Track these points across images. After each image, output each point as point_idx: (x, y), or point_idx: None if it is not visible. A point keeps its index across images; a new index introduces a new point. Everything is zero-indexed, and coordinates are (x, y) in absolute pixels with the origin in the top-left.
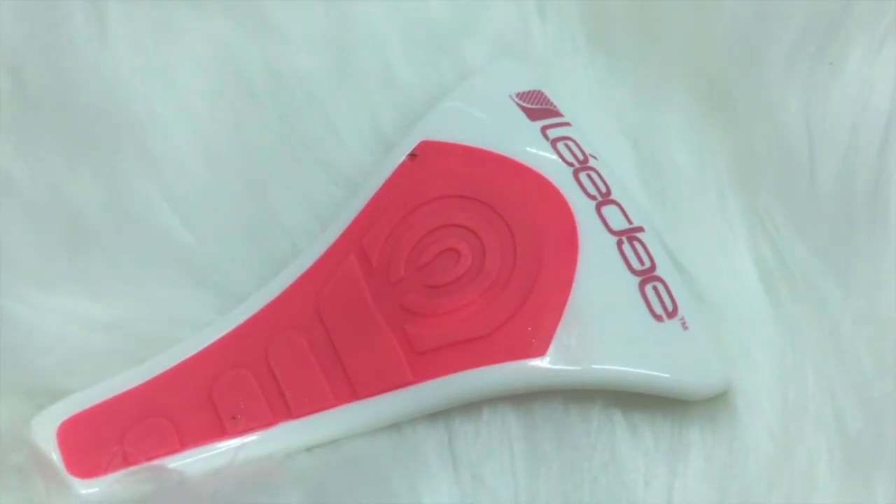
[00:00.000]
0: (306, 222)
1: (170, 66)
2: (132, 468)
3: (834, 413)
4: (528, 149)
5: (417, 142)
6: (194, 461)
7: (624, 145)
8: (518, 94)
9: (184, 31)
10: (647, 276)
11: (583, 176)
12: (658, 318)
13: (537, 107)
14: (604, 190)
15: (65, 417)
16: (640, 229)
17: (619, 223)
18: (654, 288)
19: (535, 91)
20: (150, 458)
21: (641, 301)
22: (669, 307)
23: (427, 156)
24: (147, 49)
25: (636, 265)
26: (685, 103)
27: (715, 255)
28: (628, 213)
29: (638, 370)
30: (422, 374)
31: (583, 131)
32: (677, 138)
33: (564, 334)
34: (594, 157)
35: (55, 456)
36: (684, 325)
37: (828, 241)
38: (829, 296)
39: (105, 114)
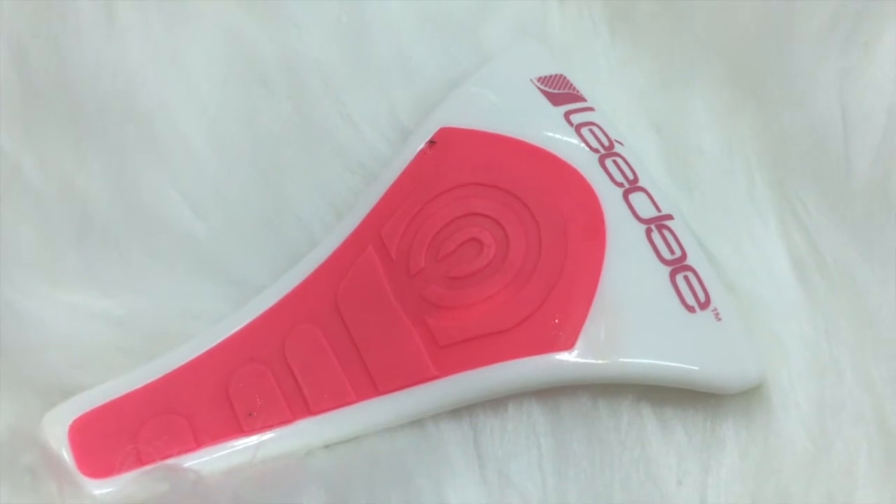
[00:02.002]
0: (322, 212)
1: (180, 53)
2: (146, 467)
3: (873, 407)
4: (551, 135)
5: (436, 128)
6: (210, 460)
7: (648, 131)
8: (540, 79)
9: (194, 17)
10: (678, 265)
11: (609, 162)
12: (690, 309)
13: (560, 91)
14: (631, 177)
15: (76, 415)
16: (669, 217)
17: (647, 211)
18: (686, 278)
19: (557, 75)
20: (164, 457)
21: (673, 292)
22: (702, 298)
23: (447, 143)
24: (156, 36)
25: (666, 254)
26: (711, 86)
27: (744, 244)
28: (656, 200)
29: (670, 363)
30: (445, 368)
31: (607, 116)
32: (703, 123)
33: (593, 327)
34: (620, 143)
35: (67, 455)
36: (717, 317)
37: (864, 227)
38: (866, 284)
39: (113, 103)
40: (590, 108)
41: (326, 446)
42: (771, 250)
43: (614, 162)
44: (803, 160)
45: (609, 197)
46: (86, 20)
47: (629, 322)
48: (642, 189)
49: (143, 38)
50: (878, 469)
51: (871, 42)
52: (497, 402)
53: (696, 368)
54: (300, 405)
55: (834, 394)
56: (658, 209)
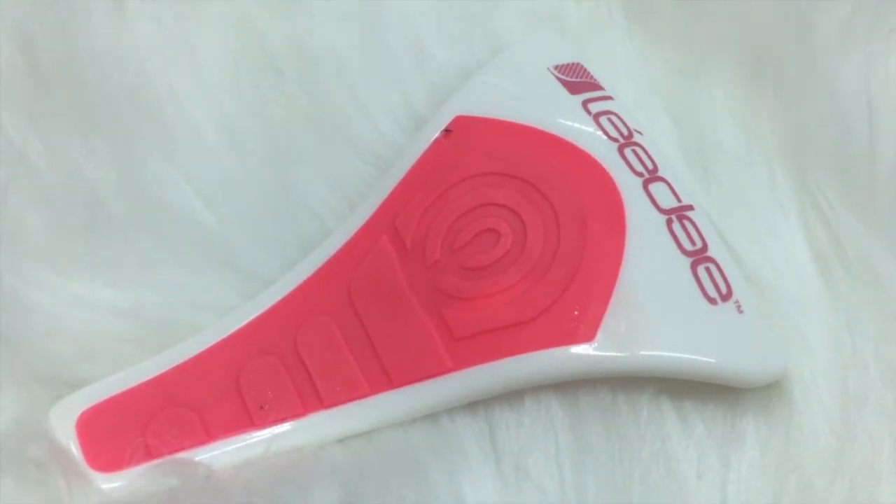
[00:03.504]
0: (335, 203)
1: (190, 40)
2: (156, 461)
3: None
4: (569, 123)
5: (452, 117)
6: (221, 453)
7: (665, 122)
8: (556, 67)
9: (205, 4)
10: (699, 256)
11: (628, 152)
12: (712, 301)
13: (577, 80)
14: (650, 166)
15: (84, 408)
16: (690, 207)
17: (667, 201)
18: (707, 269)
19: (573, 64)
20: (174, 451)
21: (694, 283)
22: (723, 290)
23: (463, 131)
24: (166, 22)
25: (687, 245)
26: (731, 76)
27: (764, 236)
28: (677, 190)
29: (691, 356)
30: (461, 361)
31: (625, 105)
32: (722, 113)
33: (613, 319)
34: (639, 132)
35: (74, 448)
36: (739, 309)
37: (887, 218)
38: (889, 276)
39: (122, 91)
40: (608, 97)
41: (340, 440)
42: (791, 242)
43: (633, 151)
44: (825, 150)
45: (629, 187)
46: (95, 6)
47: (650, 314)
48: (662, 179)
49: (152, 25)
50: None
51: (895, 30)
52: (514, 395)
53: (718, 362)
54: (313, 398)
55: (857, 387)
56: (679, 199)
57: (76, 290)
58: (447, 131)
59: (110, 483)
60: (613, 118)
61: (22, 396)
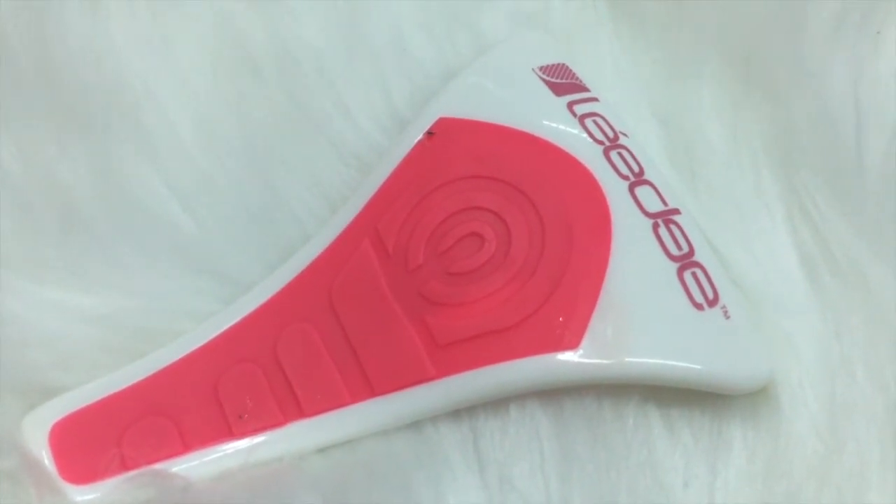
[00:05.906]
0: (316, 206)
1: (168, 38)
2: (131, 473)
3: (886, 407)
4: (554, 126)
5: (435, 119)
6: (198, 464)
7: (652, 123)
8: (541, 68)
9: (183, 1)
10: (686, 261)
11: (614, 154)
12: (698, 306)
13: (563, 81)
14: (636, 169)
15: (58, 417)
16: (676, 211)
17: (653, 205)
18: (694, 274)
19: (559, 64)
20: (150, 462)
21: (680, 289)
22: (710, 295)
23: (446, 134)
24: (143, 20)
25: (674, 250)
26: (718, 77)
27: (751, 239)
28: (663, 194)
29: (678, 363)
30: (444, 368)
31: (611, 107)
32: (710, 115)
33: (599, 325)
34: (625, 135)
35: (47, 460)
36: (726, 315)
37: (875, 221)
38: (878, 280)
39: (98, 91)
40: (594, 99)
41: (320, 450)
42: (779, 246)
43: (619, 154)
44: (812, 153)
45: (614, 190)
46: (69, 4)
47: (636, 320)
48: (648, 182)
49: (129, 23)
50: (891, 471)
51: (883, 31)
52: (498, 403)
53: (705, 368)
54: (293, 407)
55: (845, 393)
56: (665, 203)
57: (51, 296)
58: (430, 133)
59: (84, 496)
60: (599, 120)
61: None
